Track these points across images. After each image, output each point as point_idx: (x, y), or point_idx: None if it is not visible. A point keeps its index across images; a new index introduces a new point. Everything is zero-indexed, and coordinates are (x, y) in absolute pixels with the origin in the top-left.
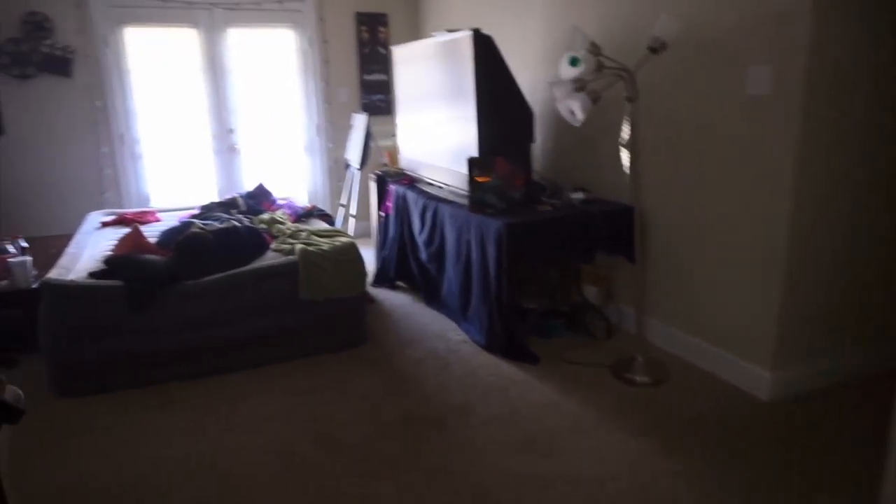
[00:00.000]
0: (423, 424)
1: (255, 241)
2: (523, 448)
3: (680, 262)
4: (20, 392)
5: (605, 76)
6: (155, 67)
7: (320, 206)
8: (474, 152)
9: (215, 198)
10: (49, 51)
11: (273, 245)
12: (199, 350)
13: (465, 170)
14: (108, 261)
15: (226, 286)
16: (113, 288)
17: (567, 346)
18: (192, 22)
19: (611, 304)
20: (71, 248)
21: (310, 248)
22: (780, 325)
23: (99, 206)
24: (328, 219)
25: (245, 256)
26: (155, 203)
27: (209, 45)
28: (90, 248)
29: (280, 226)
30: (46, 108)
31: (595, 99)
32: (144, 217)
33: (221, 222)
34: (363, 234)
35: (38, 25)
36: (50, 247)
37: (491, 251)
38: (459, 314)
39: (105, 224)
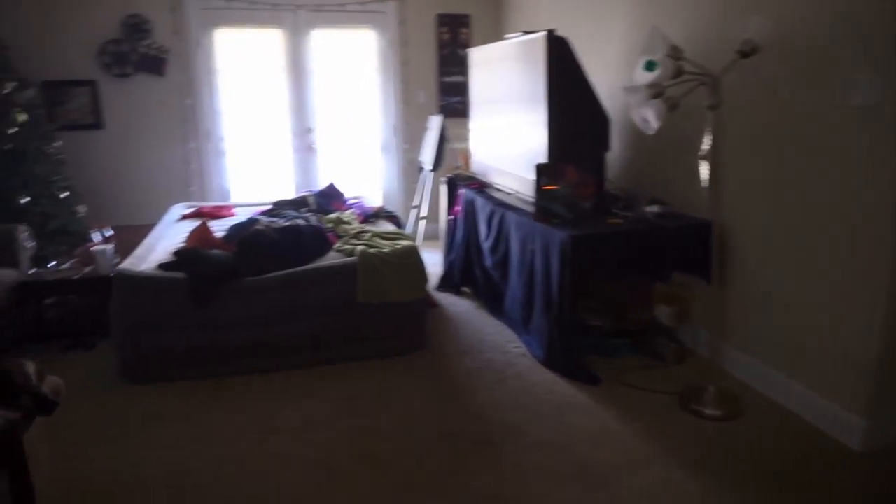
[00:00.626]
0: (470, 443)
1: (317, 241)
2: (573, 478)
3: (763, 284)
4: (61, 383)
5: (685, 82)
6: (241, 68)
7: (393, 206)
8: (544, 159)
9: (292, 195)
10: (146, 51)
11: (336, 245)
12: (256, 347)
13: (533, 176)
14: (177, 253)
15: (284, 284)
16: (178, 280)
17: (632, 368)
18: (278, 23)
19: (683, 326)
20: (149, 239)
21: (369, 251)
22: (879, 365)
23: (184, 199)
24: (395, 220)
25: (306, 255)
26: (235, 198)
27: (293, 45)
28: (167, 239)
29: (345, 226)
30: (141, 105)
31: (672, 106)
32: (221, 211)
33: (286, 220)
34: (432, 236)
35: (136, 27)
36: (134, 236)
37: (554, 263)
38: (521, 326)
39: (184, 216)
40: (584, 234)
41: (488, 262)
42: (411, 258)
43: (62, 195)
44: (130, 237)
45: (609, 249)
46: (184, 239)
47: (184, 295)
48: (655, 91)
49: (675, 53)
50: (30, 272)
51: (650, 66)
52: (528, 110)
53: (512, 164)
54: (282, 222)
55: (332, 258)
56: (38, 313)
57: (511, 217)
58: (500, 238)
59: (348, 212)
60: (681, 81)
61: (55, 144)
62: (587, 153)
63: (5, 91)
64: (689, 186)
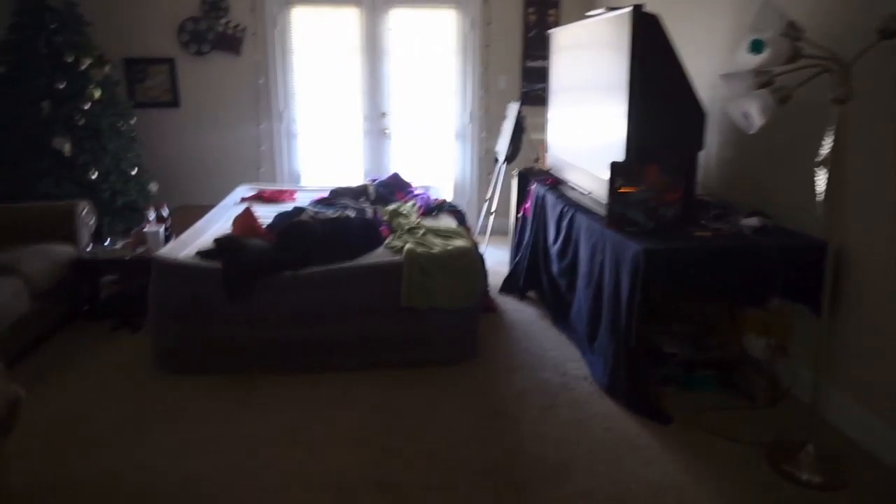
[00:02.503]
0: (504, 484)
1: (366, 235)
2: None
3: (886, 321)
4: (19, 396)
5: (803, 68)
6: (316, 48)
7: (465, 199)
8: (622, 156)
9: (358, 181)
10: (223, 29)
11: (387, 241)
12: (293, 346)
13: (607, 176)
14: (217, 240)
15: (324, 281)
16: (212, 270)
17: (713, 407)
18: (355, 1)
19: (781, 362)
20: (201, 222)
21: (418, 250)
22: None
23: (254, 180)
24: (459, 216)
25: (353, 250)
26: (306, 181)
27: (370, 25)
28: (219, 223)
29: (401, 219)
30: (215, 84)
31: (783, 99)
32: (281, 195)
33: (335, 211)
34: (501, 231)
35: (214, 5)
36: (196, 216)
37: (625, 279)
38: (586, 343)
39: (245, 199)
40: (662, 249)
41: (555, 267)
42: (464, 260)
43: (132, 172)
44: (193, 217)
45: (692, 268)
46: (230, 225)
47: (218, 286)
48: (762, 79)
49: (792, 32)
50: (87, 249)
51: (757, 46)
52: (608, 99)
53: (588, 161)
54: (329, 213)
55: (380, 255)
56: (92, 291)
57: (581, 220)
58: (569, 242)
59: (409, 203)
60: (797, 68)
61: (131, 122)
62: (675, 152)
63: (82, 67)
64: (800, 198)
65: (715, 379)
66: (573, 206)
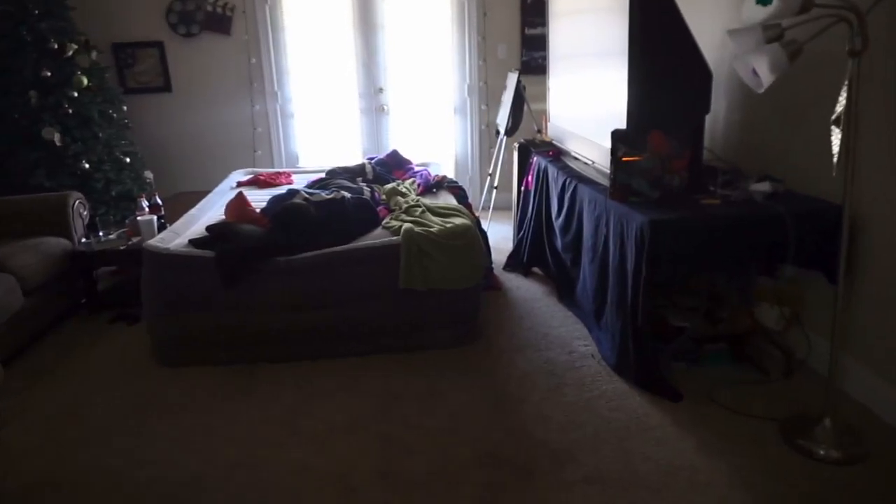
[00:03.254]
0: (510, 470)
1: (362, 216)
2: None
3: None
4: None
5: (814, 20)
6: (308, 24)
7: (468, 174)
8: (624, 123)
9: (356, 161)
10: (212, 9)
11: (385, 221)
12: (293, 333)
13: (609, 145)
14: (209, 228)
15: (319, 265)
16: (204, 258)
17: (725, 382)
18: None
19: (795, 333)
20: (194, 210)
21: (416, 230)
22: None
23: (251, 164)
24: (460, 192)
25: (348, 232)
26: (304, 162)
27: None
28: (212, 210)
29: (399, 198)
30: (206, 66)
31: (794, 54)
32: (278, 178)
33: (330, 192)
34: (505, 206)
35: None
36: (193, 204)
37: (630, 252)
38: (592, 319)
39: (240, 184)
40: (668, 219)
41: (559, 242)
42: (463, 239)
43: (126, 160)
44: (188, 205)
45: (699, 239)
46: (223, 212)
47: (211, 274)
48: (771, 33)
49: None
50: (82, 242)
51: None
52: (609, 64)
53: (589, 129)
54: (324, 195)
55: (377, 236)
56: (88, 283)
57: (584, 192)
58: (572, 216)
59: (408, 181)
60: (808, 19)
61: (123, 109)
62: (680, 116)
63: (68, 54)
64: (813, 160)
65: (727, 353)
66: (576, 177)
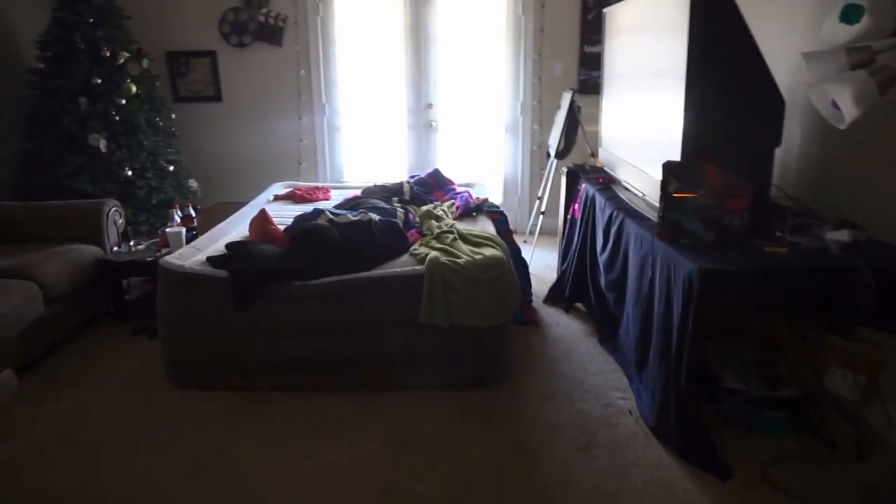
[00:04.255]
0: None
1: (390, 240)
2: None
3: None
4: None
5: None
6: (359, 36)
7: (517, 196)
8: (678, 154)
9: (405, 176)
10: (264, 19)
11: (413, 246)
12: (306, 361)
13: (660, 177)
14: (228, 246)
15: (337, 292)
16: (219, 279)
17: (784, 456)
18: None
19: (873, 404)
20: (223, 224)
21: (442, 259)
22: None
23: (295, 176)
24: (499, 217)
25: (371, 258)
26: (348, 177)
27: (416, 10)
28: (243, 225)
29: (433, 222)
30: (256, 77)
31: (885, 83)
32: (315, 194)
33: (356, 213)
34: (553, 231)
35: None
36: (229, 215)
37: (676, 301)
38: (633, 369)
39: (277, 198)
40: (723, 269)
41: (603, 279)
42: (492, 272)
43: (170, 168)
44: (224, 216)
45: (762, 291)
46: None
47: (225, 295)
48: (858, 57)
49: None
50: (114, 250)
51: (852, 13)
52: (665, 85)
53: (641, 158)
54: (351, 216)
55: (403, 263)
56: (116, 293)
57: (631, 227)
58: (618, 252)
59: (447, 203)
60: None
61: (171, 117)
62: (745, 149)
63: (119, 62)
64: None
65: (787, 420)
66: (623, 210)
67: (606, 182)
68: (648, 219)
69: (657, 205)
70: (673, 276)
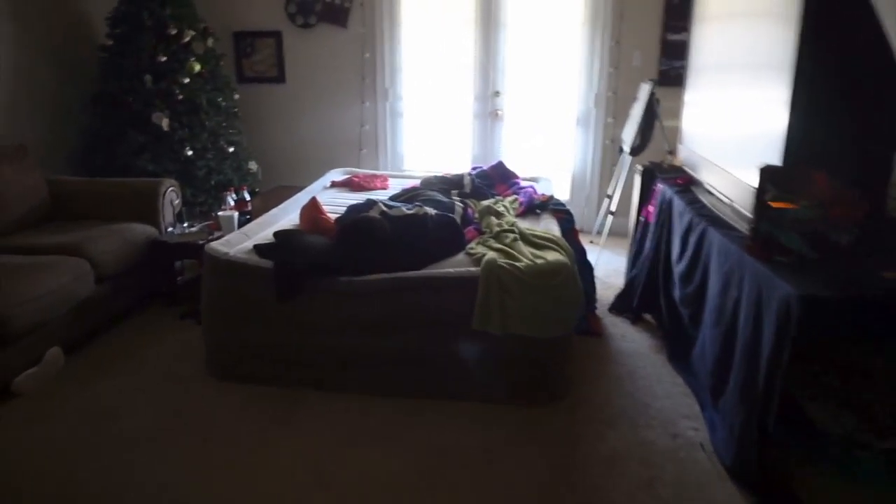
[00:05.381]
0: None
1: (445, 237)
2: None
3: None
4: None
5: None
6: (426, 19)
7: (584, 193)
8: (779, 156)
9: (468, 167)
10: (330, 0)
11: (470, 245)
12: (342, 360)
13: (755, 182)
14: (276, 234)
15: (384, 290)
16: (263, 269)
17: None
18: None
19: None
20: (276, 210)
21: (499, 262)
22: None
23: (355, 163)
24: (565, 216)
25: (424, 255)
26: (408, 165)
27: None
28: (295, 212)
29: (493, 219)
30: (320, 59)
31: None
32: (373, 182)
33: (411, 207)
34: (622, 232)
35: None
36: (286, 199)
37: (768, 331)
38: (707, 395)
39: (334, 184)
40: (829, 296)
41: (677, 292)
42: (554, 279)
43: (230, 150)
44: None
45: (878, 325)
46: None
47: (268, 286)
48: None
49: None
50: (169, 231)
51: None
52: (766, 79)
53: (730, 159)
54: (405, 209)
55: (457, 263)
56: (168, 275)
57: (714, 237)
58: (697, 264)
59: (509, 199)
60: None
61: (234, 97)
62: (858, 153)
63: (185, 40)
64: None
65: (887, 466)
66: (706, 217)
67: (686, 184)
68: (736, 229)
69: (748, 214)
70: (764, 300)
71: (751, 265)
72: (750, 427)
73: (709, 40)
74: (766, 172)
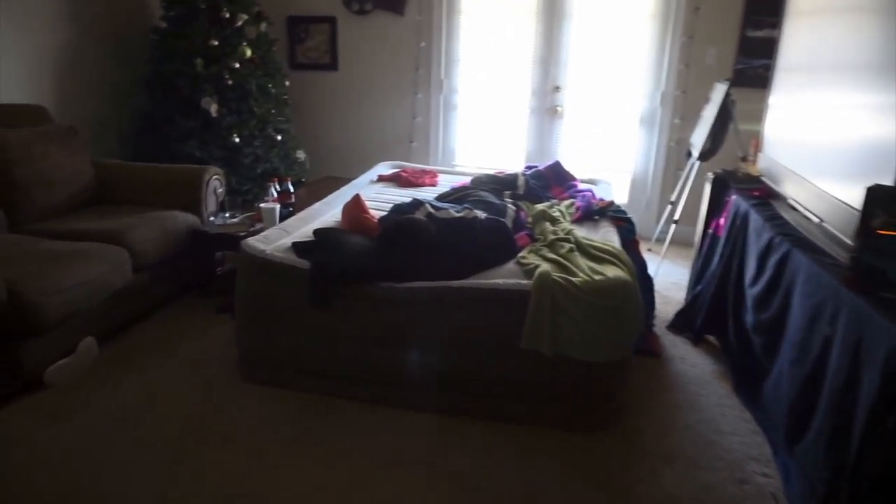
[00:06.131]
0: None
1: (495, 243)
2: None
3: None
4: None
5: None
6: (486, 8)
7: (645, 197)
8: (890, 176)
9: (522, 165)
10: None
11: (521, 253)
12: (379, 372)
13: (858, 203)
14: (316, 233)
15: (426, 300)
16: (299, 270)
17: None
18: None
19: None
20: (319, 204)
21: (554, 276)
22: None
23: (405, 156)
24: (626, 225)
25: (472, 264)
26: (459, 160)
27: None
28: (339, 207)
29: (547, 225)
30: (374, 47)
31: None
32: (421, 178)
33: (460, 209)
34: (683, 241)
35: None
36: (333, 191)
37: (869, 380)
38: (782, 437)
39: (381, 178)
40: None
41: (750, 317)
42: (614, 299)
43: (278, 138)
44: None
45: None
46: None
47: (301, 287)
48: None
49: None
50: (211, 220)
51: None
52: (875, 82)
53: (823, 172)
54: (454, 211)
55: (507, 273)
56: (209, 265)
57: (800, 262)
58: (776, 290)
59: (565, 203)
60: None
61: (286, 84)
62: None
63: (238, 24)
64: None
65: None
66: (789, 237)
67: (764, 196)
68: (829, 255)
69: (845, 240)
70: (866, 343)
71: (850, 301)
72: (839, 486)
73: (805, 37)
74: (875, 193)
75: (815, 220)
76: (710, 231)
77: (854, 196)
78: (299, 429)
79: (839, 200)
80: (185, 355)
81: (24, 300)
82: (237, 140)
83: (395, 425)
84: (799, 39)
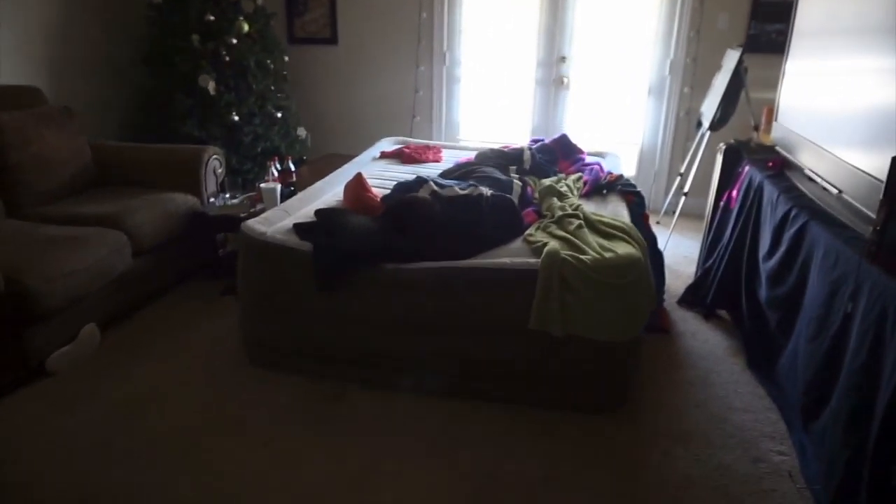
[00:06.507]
0: None
1: (501, 221)
2: None
3: None
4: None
5: None
6: None
7: (654, 169)
8: None
9: (528, 138)
10: None
11: (528, 231)
12: (387, 355)
13: (882, 174)
14: (318, 213)
15: (432, 281)
16: (301, 252)
17: None
18: None
19: None
20: (321, 182)
21: (562, 253)
22: None
23: (407, 131)
24: (635, 199)
25: (478, 242)
26: (464, 134)
27: None
28: (340, 186)
29: (555, 200)
30: (375, 18)
31: None
32: (425, 154)
33: (465, 186)
34: (693, 213)
35: None
36: (335, 169)
37: (893, 359)
38: (797, 415)
39: (384, 154)
40: None
41: (764, 292)
42: (625, 277)
43: (277, 115)
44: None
45: None
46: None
47: (307, 272)
48: None
49: None
50: (210, 202)
51: None
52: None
53: (843, 141)
54: (458, 188)
55: (513, 251)
56: (210, 248)
57: (819, 235)
58: (792, 264)
59: (573, 177)
60: None
61: (284, 59)
62: None
63: None
64: None
65: None
66: (806, 209)
67: (779, 167)
68: (850, 228)
69: (867, 212)
70: (891, 322)
71: (872, 276)
72: (858, 467)
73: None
74: None
75: (834, 191)
76: (723, 203)
77: (877, 165)
78: (308, 419)
79: (861, 170)
80: (191, 341)
81: (23, 287)
82: (236, 118)
83: (408, 410)
84: (817, 1)
